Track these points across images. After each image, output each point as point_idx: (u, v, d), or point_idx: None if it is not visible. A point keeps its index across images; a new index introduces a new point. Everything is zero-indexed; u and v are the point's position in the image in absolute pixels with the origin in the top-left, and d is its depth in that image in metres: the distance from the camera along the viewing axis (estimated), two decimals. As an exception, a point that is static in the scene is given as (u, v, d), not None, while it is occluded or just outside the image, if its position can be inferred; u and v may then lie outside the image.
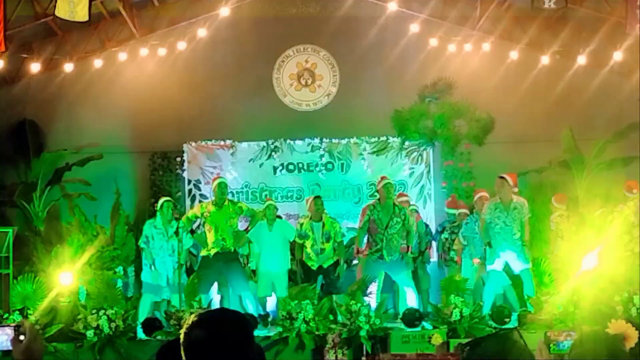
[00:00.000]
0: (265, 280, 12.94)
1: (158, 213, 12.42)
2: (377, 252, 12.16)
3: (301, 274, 13.04)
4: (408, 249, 12.42)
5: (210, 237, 12.32)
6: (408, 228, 12.40)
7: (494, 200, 12.30)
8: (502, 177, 12.31)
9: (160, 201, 12.53)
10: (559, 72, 17.45)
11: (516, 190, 12.56)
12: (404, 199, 13.99)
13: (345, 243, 13.79)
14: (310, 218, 13.05)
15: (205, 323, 2.86)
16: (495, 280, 12.16)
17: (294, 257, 13.42)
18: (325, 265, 12.86)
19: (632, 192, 13.78)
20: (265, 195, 16.49)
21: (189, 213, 13.04)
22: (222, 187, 12.69)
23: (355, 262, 13.87)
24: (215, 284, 12.83)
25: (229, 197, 13.57)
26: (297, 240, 13.12)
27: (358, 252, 12.83)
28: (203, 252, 12.62)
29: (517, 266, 12.09)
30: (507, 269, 12.15)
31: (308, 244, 12.93)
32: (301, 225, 13.13)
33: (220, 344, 2.81)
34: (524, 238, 12.13)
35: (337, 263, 13.11)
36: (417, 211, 14.61)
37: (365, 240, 12.63)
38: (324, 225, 12.81)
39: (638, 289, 11.22)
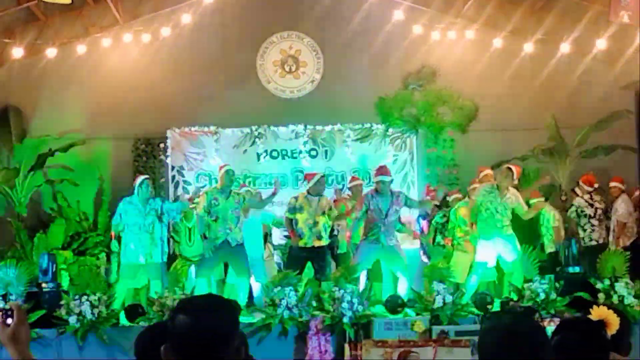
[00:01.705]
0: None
1: (136, 190, 12.24)
2: (373, 236, 12.14)
3: (289, 260, 12.98)
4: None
5: (216, 226, 12.25)
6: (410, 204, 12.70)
7: (490, 184, 12.40)
8: (509, 168, 12.39)
9: (140, 179, 12.34)
10: (542, 60, 17.51)
11: (515, 183, 12.60)
12: (358, 182, 14.02)
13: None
14: (308, 192, 12.92)
15: (190, 308, 2.86)
16: (481, 272, 12.17)
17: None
18: (315, 245, 12.69)
19: (592, 187, 14.47)
20: (249, 182, 16.51)
21: (200, 208, 12.69)
22: (229, 175, 12.59)
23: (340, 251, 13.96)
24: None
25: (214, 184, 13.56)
26: (288, 215, 13.01)
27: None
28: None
29: (508, 256, 12.14)
30: (498, 258, 12.23)
31: (301, 217, 12.71)
32: (296, 199, 12.93)
33: (204, 329, 2.81)
34: (509, 226, 12.25)
35: (326, 248, 12.99)
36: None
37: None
38: (319, 200, 12.74)
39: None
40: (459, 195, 13.99)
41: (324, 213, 12.76)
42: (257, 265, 13.14)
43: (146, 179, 12.43)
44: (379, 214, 12.08)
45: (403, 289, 12.02)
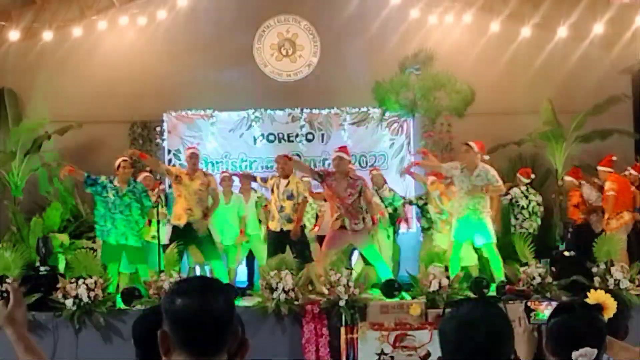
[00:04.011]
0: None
1: (116, 171, 12.27)
2: (339, 222, 12.05)
3: (269, 245, 12.85)
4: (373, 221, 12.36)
5: (180, 205, 12.37)
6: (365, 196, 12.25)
7: (460, 167, 12.26)
8: (467, 144, 12.34)
9: (118, 160, 12.38)
10: (539, 44, 17.50)
11: (486, 157, 12.56)
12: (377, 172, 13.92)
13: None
14: (279, 176, 12.94)
15: (189, 292, 2.82)
16: (457, 251, 12.16)
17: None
18: (285, 229, 12.66)
19: (529, 179, 15.16)
20: (245, 166, 16.53)
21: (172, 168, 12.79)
22: (194, 158, 12.68)
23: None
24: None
25: (203, 167, 13.62)
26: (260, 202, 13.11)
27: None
28: (174, 222, 12.56)
29: (479, 239, 12.18)
30: (472, 241, 12.28)
31: (272, 200, 12.74)
32: (266, 181, 13.06)
33: (207, 312, 2.78)
34: (485, 209, 12.21)
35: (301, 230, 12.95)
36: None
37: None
38: (288, 182, 12.66)
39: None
40: (434, 178, 14.08)
41: (290, 197, 12.61)
42: (233, 252, 13.36)
43: (124, 159, 12.40)
44: (337, 197, 11.98)
45: (385, 272, 11.96)
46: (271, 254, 12.05)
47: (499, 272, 11.91)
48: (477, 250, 12.55)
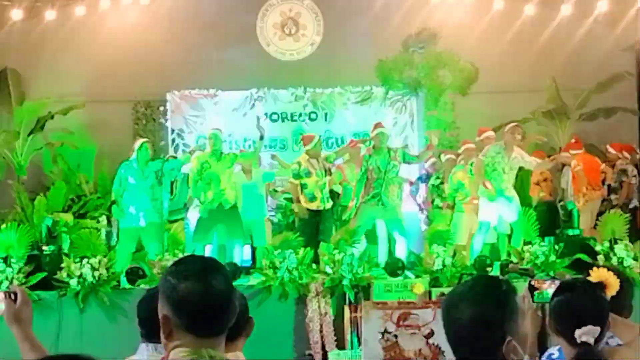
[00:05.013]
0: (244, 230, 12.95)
1: (136, 153, 12.25)
2: (375, 196, 12.17)
3: (302, 224, 12.80)
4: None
5: (210, 190, 12.36)
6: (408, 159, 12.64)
7: (499, 145, 12.35)
8: (517, 125, 12.44)
9: (139, 142, 12.37)
10: (543, 22, 17.42)
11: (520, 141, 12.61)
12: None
13: None
14: (309, 157, 12.95)
15: (190, 275, 2.80)
16: (485, 232, 12.25)
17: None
18: (327, 207, 12.76)
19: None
20: (248, 145, 16.51)
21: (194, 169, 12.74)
22: (218, 138, 12.69)
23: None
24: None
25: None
26: (294, 180, 12.98)
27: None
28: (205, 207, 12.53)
29: (509, 217, 12.18)
30: (500, 219, 12.31)
31: (311, 181, 12.67)
32: (299, 164, 12.85)
33: (213, 293, 2.78)
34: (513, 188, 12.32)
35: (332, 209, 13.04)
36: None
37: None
38: (319, 162, 12.73)
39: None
40: (452, 156, 14.02)
41: (327, 174, 12.77)
42: (260, 229, 13.19)
43: (145, 142, 12.46)
44: (378, 173, 12.09)
45: (402, 251, 12.03)
46: (307, 234, 12.12)
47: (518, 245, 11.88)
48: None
